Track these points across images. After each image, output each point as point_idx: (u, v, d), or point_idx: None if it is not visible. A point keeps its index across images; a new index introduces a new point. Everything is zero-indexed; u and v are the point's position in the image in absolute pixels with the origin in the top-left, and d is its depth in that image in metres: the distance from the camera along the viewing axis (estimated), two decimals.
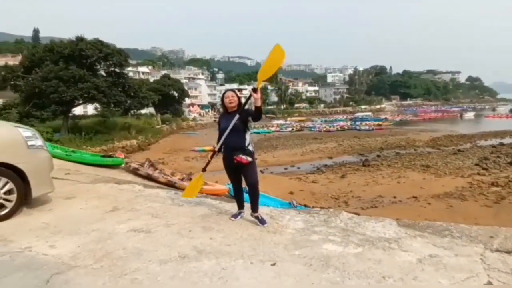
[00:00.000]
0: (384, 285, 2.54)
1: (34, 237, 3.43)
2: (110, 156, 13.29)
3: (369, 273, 2.68)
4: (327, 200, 12.65)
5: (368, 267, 2.77)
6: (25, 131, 4.23)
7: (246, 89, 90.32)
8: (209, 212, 4.33)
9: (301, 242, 3.34)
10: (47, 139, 16.99)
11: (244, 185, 4.04)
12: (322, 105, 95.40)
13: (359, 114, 68.50)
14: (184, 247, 3.19)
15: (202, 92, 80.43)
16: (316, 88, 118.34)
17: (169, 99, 47.19)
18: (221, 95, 3.99)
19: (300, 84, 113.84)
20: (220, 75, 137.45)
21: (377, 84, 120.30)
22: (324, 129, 44.27)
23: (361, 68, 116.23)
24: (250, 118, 3.80)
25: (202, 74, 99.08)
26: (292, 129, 45.93)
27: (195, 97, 74.18)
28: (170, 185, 9.60)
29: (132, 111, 33.79)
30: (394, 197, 12.52)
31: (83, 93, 24.36)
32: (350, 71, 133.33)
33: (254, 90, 3.58)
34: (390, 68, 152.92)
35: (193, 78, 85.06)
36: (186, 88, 57.56)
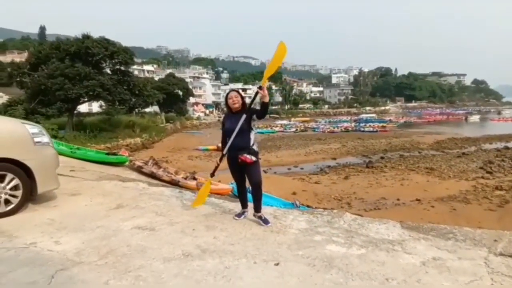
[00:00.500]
0: (387, 287, 2.54)
1: (39, 233, 3.46)
2: (114, 154, 13.34)
3: (373, 274, 2.68)
4: (330, 201, 12.63)
5: (371, 269, 2.77)
6: (32, 128, 4.26)
7: (250, 89, 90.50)
8: (213, 211, 4.34)
9: (305, 242, 3.34)
10: (52, 136, 17.04)
11: (247, 184, 4.05)
12: (326, 106, 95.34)
13: (363, 116, 68.31)
14: (187, 246, 3.20)
15: (206, 91, 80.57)
16: (321, 88, 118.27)
17: (173, 98, 47.26)
18: (225, 95, 4.01)
19: (304, 84, 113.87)
20: (225, 75, 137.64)
21: (382, 86, 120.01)
22: (328, 130, 44.16)
23: (366, 70, 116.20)
24: (254, 116, 3.82)
25: (207, 73, 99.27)
26: (296, 130, 45.87)
27: (200, 96, 74.30)
28: (174, 183, 9.63)
29: (136, 109, 33.80)
30: (398, 199, 12.47)
31: (88, 90, 24.44)
32: (355, 72, 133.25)
33: (260, 88, 3.64)
34: (396, 69, 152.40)
35: (198, 77, 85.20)
36: (190, 87, 57.61)
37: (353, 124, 50.89)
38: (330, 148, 27.68)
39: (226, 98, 3.93)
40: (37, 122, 12.93)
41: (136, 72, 45.44)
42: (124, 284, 2.50)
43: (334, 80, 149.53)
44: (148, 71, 74.78)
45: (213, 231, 3.62)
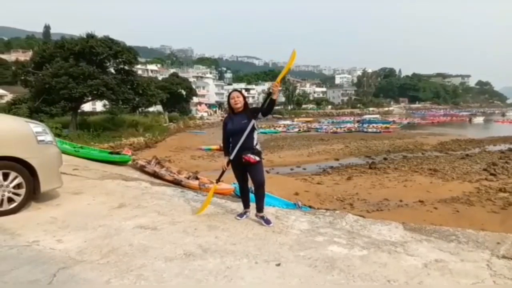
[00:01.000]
0: None
1: (41, 231, 3.48)
2: (117, 153, 13.40)
3: (374, 276, 2.67)
4: (332, 201, 12.60)
5: (373, 270, 2.76)
6: (36, 127, 4.28)
7: (254, 89, 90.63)
8: (215, 211, 4.34)
9: (306, 243, 3.34)
10: (56, 134, 17.10)
11: (250, 184, 4.05)
12: (329, 107, 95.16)
13: (367, 116, 68.09)
14: (189, 245, 3.21)
15: (209, 91, 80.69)
16: (324, 89, 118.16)
17: (177, 98, 47.37)
18: (227, 95, 4.01)
19: (308, 85, 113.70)
20: (228, 75, 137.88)
21: (385, 87, 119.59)
22: (331, 130, 44.04)
23: (370, 70, 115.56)
24: (259, 115, 3.81)
25: (210, 73, 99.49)
26: (299, 130, 45.80)
27: (203, 96, 74.43)
28: (176, 183, 9.66)
29: (140, 109, 33.91)
30: (401, 201, 12.43)
31: (92, 89, 24.53)
32: (359, 72, 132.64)
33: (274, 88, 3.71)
34: (399, 70, 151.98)
35: (201, 77, 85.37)
36: (194, 87, 57.68)
37: (356, 125, 50.72)
38: (333, 149, 27.61)
39: (228, 98, 3.92)
40: (41, 121, 13.00)
41: (140, 72, 45.53)
42: (125, 283, 2.51)
43: (337, 80, 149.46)
44: (151, 71, 74.99)
45: (215, 231, 3.62)
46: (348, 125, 51.10)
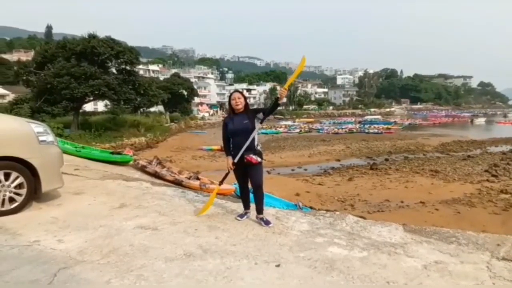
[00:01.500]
0: None
1: (42, 231, 3.49)
2: (119, 153, 13.42)
3: (374, 277, 2.68)
4: (333, 202, 12.59)
5: (372, 272, 2.76)
6: (37, 127, 4.29)
7: (255, 89, 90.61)
8: (215, 211, 4.35)
9: (306, 244, 3.35)
10: (58, 134, 17.17)
11: (250, 185, 4.05)
12: (331, 107, 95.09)
13: (368, 117, 68.05)
14: (189, 246, 3.22)
15: (211, 91, 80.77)
16: (326, 90, 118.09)
17: (178, 98, 47.39)
18: (228, 95, 4.02)
19: (309, 85, 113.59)
20: (230, 75, 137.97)
21: (387, 87, 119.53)
22: (332, 131, 43.99)
23: (371, 71, 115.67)
24: (260, 115, 3.82)
25: (212, 73, 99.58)
26: (300, 131, 45.76)
27: (204, 96, 74.50)
28: (177, 183, 9.66)
29: (141, 109, 33.96)
30: (402, 202, 12.42)
31: (94, 90, 24.57)
32: (360, 73, 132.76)
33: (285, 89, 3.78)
34: (401, 71, 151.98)
35: (203, 77, 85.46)
36: (195, 87, 57.72)
37: (357, 126, 50.68)
38: (334, 150, 27.59)
39: (230, 98, 3.93)
40: (43, 121, 13.05)
41: (141, 72, 45.59)
42: (125, 283, 2.52)
43: (339, 81, 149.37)
44: (153, 71, 75.13)
45: (215, 231, 3.63)
46: (350, 125, 51.07)
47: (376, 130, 44.11)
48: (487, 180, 15.73)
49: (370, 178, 16.93)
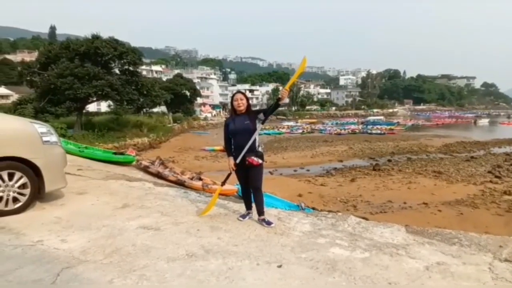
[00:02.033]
0: None
1: (46, 231, 3.51)
2: (121, 153, 13.46)
3: (376, 278, 2.68)
4: (336, 203, 12.59)
5: (374, 273, 2.76)
6: (41, 127, 4.32)
7: (258, 90, 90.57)
8: (217, 212, 4.36)
9: (308, 245, 3.35)
10: (61, 134, 17.27)
11: None
12: (333, 108, 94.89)
13: (371, 118, 67.88)
14: (192, 246, 3.23)
15: (214, 92, 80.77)
16: (328, 90, 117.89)
17: (181, 98, 47.42)
18: (231, 96, 4.03)
19: (312, 86, 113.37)
20: (232, 76, 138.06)
21: (390, 88, 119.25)
22: (335, 132, 43.93)
23: (374, 71, 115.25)
24: (260, 115, 3.84)
25: (214, 74, 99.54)
26: (303, 131, 45.71)
27: (207, 97, 74.52)
28: (180, 183, 9.69)
29: (144, 109, 34.03)
30: (404, 203, 12.40)
31: (97, 90, 24.66)
32: (363, 74, 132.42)
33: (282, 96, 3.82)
34: (404, 72, 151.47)
35: (205, 78, 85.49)
36: (198, 87, 57.76)
37: (360, 126, 50.57)
38: (337, 150, 27.55)
39: (232, 99, 3.94)
40: (46, 121, 13.11)
41: (144, 72, 45.80)
42: (128, 283, 2.53)
43: (341, 82, 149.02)
44: (156, 72, 75.26)
45: (217, 231, 3.64)
46: (352, 126, 50.97)
47: (378, 131, 44.00)
48: (491, 181, 15.69)
49: (373, 179, 16.91)
